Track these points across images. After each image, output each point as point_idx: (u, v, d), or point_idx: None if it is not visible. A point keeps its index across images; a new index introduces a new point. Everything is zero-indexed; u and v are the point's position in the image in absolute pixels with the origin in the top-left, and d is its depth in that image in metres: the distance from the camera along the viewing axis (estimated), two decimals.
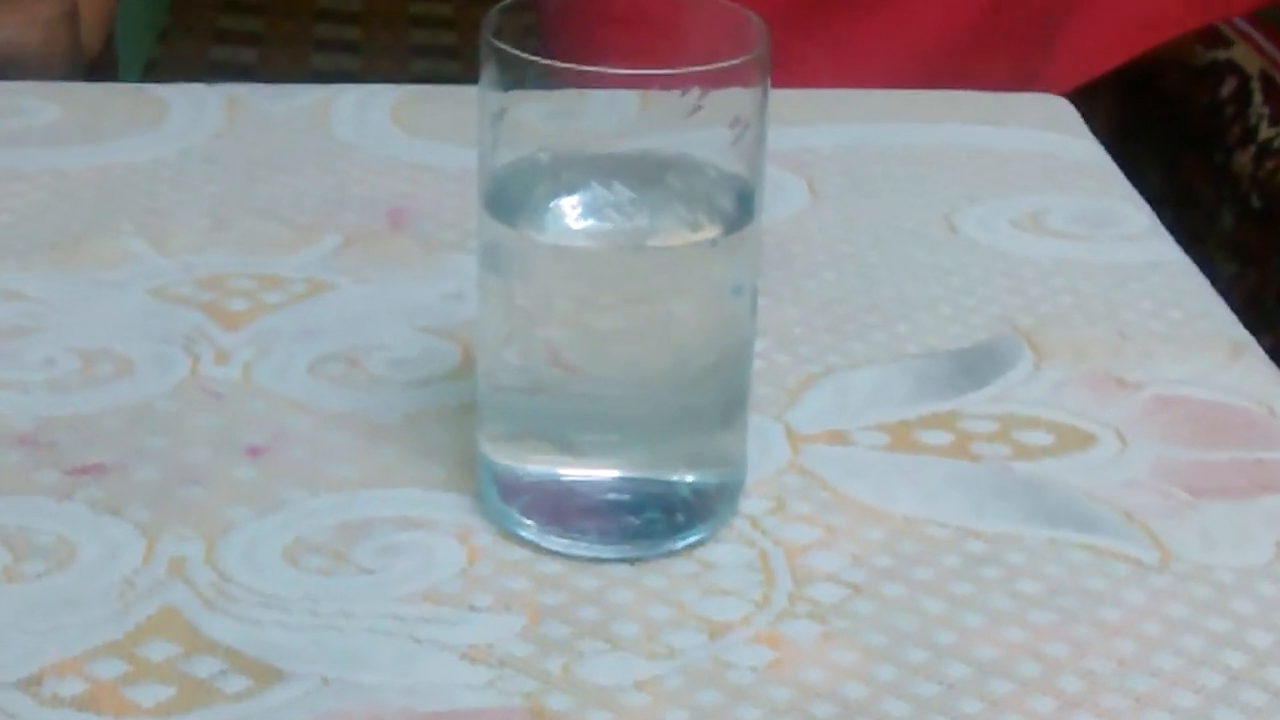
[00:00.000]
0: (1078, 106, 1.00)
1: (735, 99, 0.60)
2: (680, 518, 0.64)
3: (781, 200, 0.87)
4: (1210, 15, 1.42)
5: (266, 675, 0.58)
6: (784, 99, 0.89)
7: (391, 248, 0.82)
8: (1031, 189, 0.90)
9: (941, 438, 0.71)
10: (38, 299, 0.77)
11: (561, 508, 0.64)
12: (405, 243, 0.83)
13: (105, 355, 0.73)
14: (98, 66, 1.29)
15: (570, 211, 0.62)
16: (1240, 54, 1.44)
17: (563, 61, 0.59)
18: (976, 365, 0.75)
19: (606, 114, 0.61)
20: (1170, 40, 1.41)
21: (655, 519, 0.63)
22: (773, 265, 0.80)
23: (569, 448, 0.63)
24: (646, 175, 0.62)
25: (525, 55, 0.59)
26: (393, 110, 0.94)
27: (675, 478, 0.64)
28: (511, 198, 0.62)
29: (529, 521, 0.64)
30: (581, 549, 0.63)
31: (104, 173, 0.87)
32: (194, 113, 0.93)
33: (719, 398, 0.64)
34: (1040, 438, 0.71)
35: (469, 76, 0.65)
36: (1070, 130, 0.97)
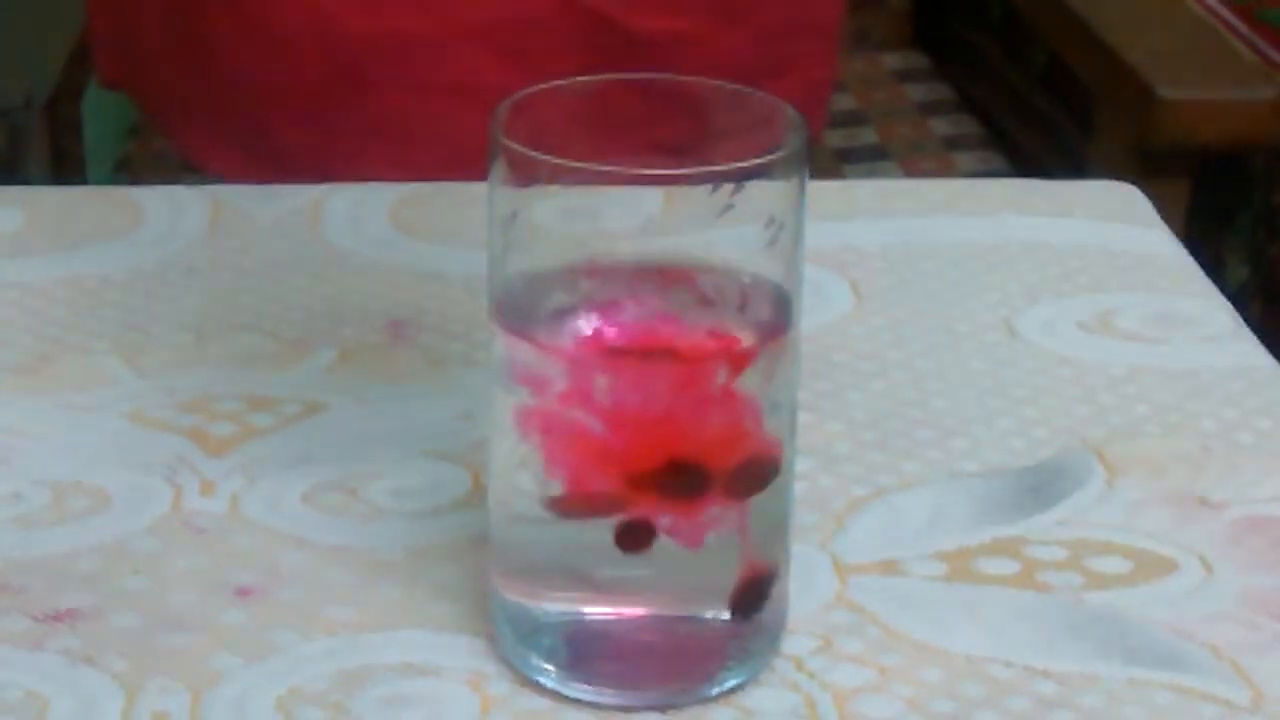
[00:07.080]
0: (1148, 192, 1.01)
1: (769, 196, 0.61)
2: (717, 660, 0.64)
3: (822, 304, 0.87)
4: None
5: None
6: (823, 191, 0.90)
7: (392, 363, 0.83)
8: (1099, 287, 0.91)
9: (1005, 566, 0.71)
10: (2, 427, 0.78)
11: (586, 650, 0.64)
12: (407, 357, 0.83)
13: (78, 488, 0.74)
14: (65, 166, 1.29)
15: (589, 323, 0.63)
16: None
17: (579, 159, 0.60)
18: (1042, 485, 0.76)
19: (628, 214, 0.62)
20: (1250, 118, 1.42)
21: (689, 661, 0.64)
22: (814, 376, 0.81)
23: (593, 583, 0.63)
24: (672, 281, 0.63)
25: (539, 155, 0.60)
26: (392, 211, 0.95)
27: (711, 615, 0.64)
28: (525, 308, 0.63)
29: (549, 666, 0.64)
30: (608, 697, 0.64)
31: (74, 286, 0.88)
32: (173, 217, 0.94)
33: (757, 525, 0.64)
34: (1115, 565, 0.71)
35: None
36: (1141, 220, 0.97)
